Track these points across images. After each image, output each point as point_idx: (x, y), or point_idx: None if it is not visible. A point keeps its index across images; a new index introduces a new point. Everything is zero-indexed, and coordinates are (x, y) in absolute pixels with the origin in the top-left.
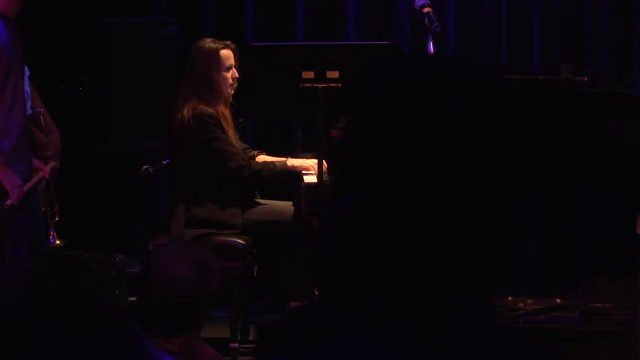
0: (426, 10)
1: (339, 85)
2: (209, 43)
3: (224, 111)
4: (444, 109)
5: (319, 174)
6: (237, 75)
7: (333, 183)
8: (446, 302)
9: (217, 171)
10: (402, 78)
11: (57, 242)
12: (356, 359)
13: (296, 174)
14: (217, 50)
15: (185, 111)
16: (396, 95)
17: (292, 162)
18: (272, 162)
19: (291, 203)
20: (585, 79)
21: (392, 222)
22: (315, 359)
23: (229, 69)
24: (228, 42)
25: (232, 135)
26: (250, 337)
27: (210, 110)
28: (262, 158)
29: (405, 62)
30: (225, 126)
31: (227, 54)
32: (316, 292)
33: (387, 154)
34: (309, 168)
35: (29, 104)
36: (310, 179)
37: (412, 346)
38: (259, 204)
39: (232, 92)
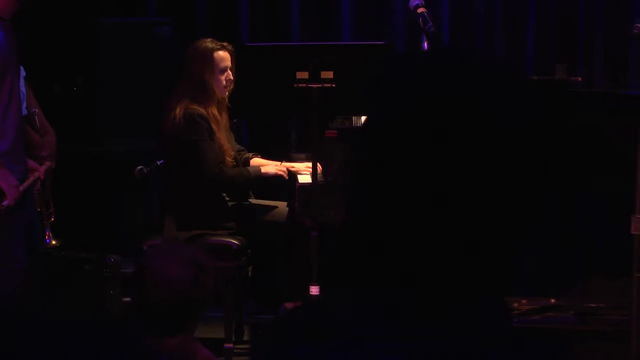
0: (420, 10)
1: (332, 85)
2: (205, 43)
3: (215, 112)
4: (473, 104)
5: (313, 175)
6: (231, 77)
7: (351, 176)
8: (461, 298)
9: (196, 175)
10: (421, 73)
11: (53, 242)
12: (371, 350)
13: (291, 175)
14: (212, 52)
15: (177, 111)
16: (418, 90)
17: (266, 169)
18: (246, 169)
19: (285, 203)
20: (580, 79)
21: (408, 216)
22: (333, 349)
23: (223, 71)
24: (225, 44)
25: (224, 136)
26: (245, 338)
27: (202, 110)
28: (257, 161)
29: (426, 56)
30: (214, 127)
31: (222, 55)
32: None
33: (409, 147)
34: (283, 174)
35: (24, 105)
36: (305, 179)
37: (428, 340)
38: (253, 204)
39: (227, 94)
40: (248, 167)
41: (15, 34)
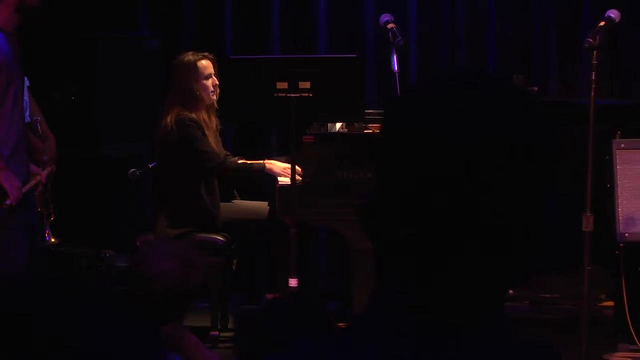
0: (390, 26)
1: (309, 94)
2: (188, 56)
3: (205, 117)
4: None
5: (292, 176)
6: (217, 82)
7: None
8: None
9: (198, 170)
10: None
11: (52, 240)
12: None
13: (271, 177)
14: (195, 62)
15: (168, 119)
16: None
17: (270, 166)
18: (250, 163)
19: (267, 203)
20: (536, 89)
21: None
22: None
23: (208, 77)
24: (206, 53)
25: (214, 139)
26: (229, 326)
27: (192, 115)
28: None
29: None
30: (205, 131)
31: (205, 64)
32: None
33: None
34: (283, 174)
35: (27, 113)
36: (284, 180)
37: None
38: (238, 204)
39: (215, 98)
40: (252, 162)
41: (19, 45)
